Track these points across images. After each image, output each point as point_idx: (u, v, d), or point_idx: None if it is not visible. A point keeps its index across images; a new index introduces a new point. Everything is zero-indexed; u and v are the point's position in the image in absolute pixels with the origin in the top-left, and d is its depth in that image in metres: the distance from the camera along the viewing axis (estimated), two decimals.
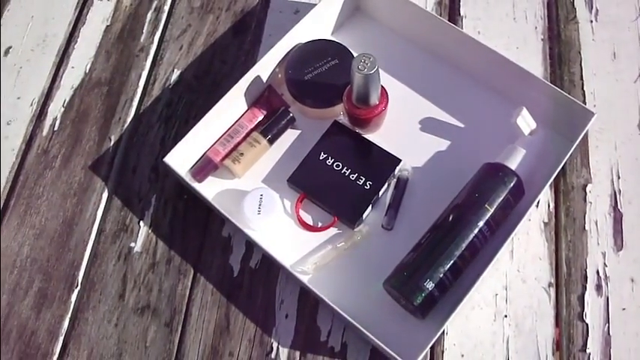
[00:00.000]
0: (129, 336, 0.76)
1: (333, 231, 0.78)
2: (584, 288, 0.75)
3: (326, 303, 0.70)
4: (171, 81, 0.91)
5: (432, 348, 0.73)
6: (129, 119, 0.89)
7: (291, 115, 0.83)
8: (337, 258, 0.77)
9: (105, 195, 0.84)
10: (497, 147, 0.78)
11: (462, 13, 0.93)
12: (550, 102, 0.79)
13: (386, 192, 0.80)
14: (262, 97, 0.85)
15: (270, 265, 0.78)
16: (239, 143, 0.82)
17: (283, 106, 0.84)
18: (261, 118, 0.84)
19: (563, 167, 0.79)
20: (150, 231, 0.81)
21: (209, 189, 0.81)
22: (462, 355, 0.73)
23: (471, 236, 0.71)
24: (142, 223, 0.82)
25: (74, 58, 0.94)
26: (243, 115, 0.84)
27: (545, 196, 0.80)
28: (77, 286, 0.79)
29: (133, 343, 0.75)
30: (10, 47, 0.96)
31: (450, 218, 0.73)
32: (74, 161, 0.87)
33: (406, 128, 0.84)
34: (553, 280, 0.76)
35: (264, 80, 0.85)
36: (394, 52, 0.88)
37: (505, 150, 0.77)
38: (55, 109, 0.91)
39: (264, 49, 0.89)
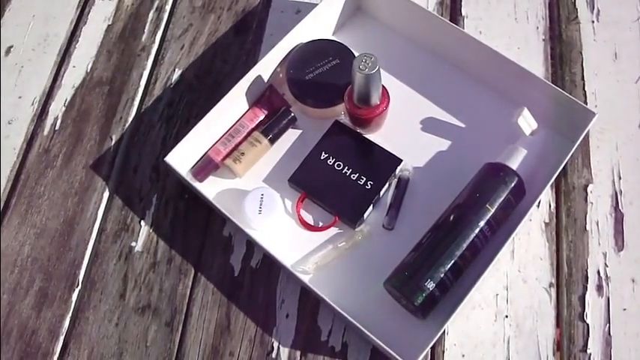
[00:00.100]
0: (129, 335, 0.76)
1: (333, 231, 0.78)
2: (585, 288, 0.75)
3: (327, 303, 0.70)
4: (173, 80, 0.91)
5: (432, 348, 0.72)
6: (130, 119, 0.89)
7: (292, 114, 0.82)
8: (338, 258, 0.77)
9: (106, 194, 0.84)
10: (499, 147, 0.78)
11: (463, 13, 0.93)
12: (551, 102, 0.79)
13: (387, 192, 0.80)
14: (263, 96, 0.85)
15: (270, 265, 0.78)
16: (240, 143, 0.82)
17: (284, 106, 0.84)
18: (262, 117, 0.84)
19: (564, 167, 0.79)
20: (151, 230, 0.81)
21: (210, 188, 0.81)
22: (463, 355, 0.73)
23: (472, 236, 0.71)
24: (142, 222, 0.82)
25: (75, 57, 0.94)
26: (244, 114, 0.84)
27: (546, 196, 0.80)
28: (78, 285, 0.79)
29: (134, 343, 0.75)
30: (11, 46, 0.96)
31: (451, 218, 0.73)
32: (75, 160, 0.87)
33: (407, 128, 0.84)
34: (554, 281, 0.76)
35: (266, 80, 0.85)
36: (395, 52, 0.88)
37: (506, 150, 0.77)
38: (57, 108, 0.91)
39: (266, 49, 0.89)
